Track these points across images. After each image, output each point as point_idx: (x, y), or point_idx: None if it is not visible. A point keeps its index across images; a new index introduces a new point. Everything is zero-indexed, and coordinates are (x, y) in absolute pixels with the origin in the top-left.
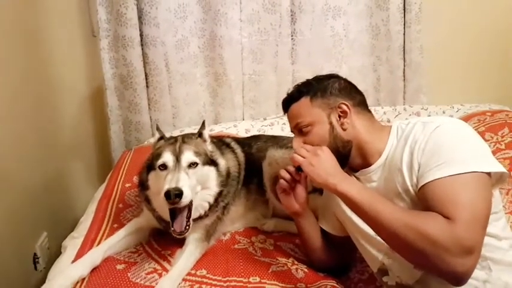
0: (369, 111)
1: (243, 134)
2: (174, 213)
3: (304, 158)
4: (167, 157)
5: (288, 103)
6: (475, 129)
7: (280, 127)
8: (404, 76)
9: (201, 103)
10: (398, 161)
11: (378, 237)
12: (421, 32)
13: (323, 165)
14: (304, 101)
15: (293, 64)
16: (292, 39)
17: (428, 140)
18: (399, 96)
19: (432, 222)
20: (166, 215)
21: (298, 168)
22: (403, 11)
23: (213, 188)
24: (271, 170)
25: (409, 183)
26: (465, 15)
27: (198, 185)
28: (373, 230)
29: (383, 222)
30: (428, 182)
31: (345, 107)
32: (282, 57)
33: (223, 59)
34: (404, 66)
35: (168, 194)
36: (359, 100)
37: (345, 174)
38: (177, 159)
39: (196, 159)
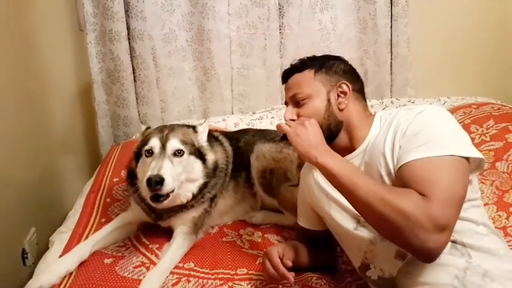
0: (365, 100)
1: (232, 128)
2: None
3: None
4: (154, 143)
5: (289, 73)
6: (461, 122)
7: (269, 121)
8: (391, 69)
9: (189, 97)
10: (381, 145)
11: (357, 232)
12: (408, 26)
13: (308, 136)
14: (308, 73)
15: (281, 58)
16: (280, 32)
17: (410, 124)
18: (386, 89)
19: (408, 198)
20: None
21: (283, 137)
22: (390, 5)
23: (198, 180)
24: (258, 163)
25: (391, 166)
26: (452, 9)
27: (183, 173)
28: (350, 204)
29: (360, 195)
30: (407, 162)
31: (345, 87)
32: (270, 51)
33: (211, 53)
34: (391, 59)
35: (149, 181)
36: (359, 87)
37: (327, 148)
38: (163, 146)
39: (182, 147)
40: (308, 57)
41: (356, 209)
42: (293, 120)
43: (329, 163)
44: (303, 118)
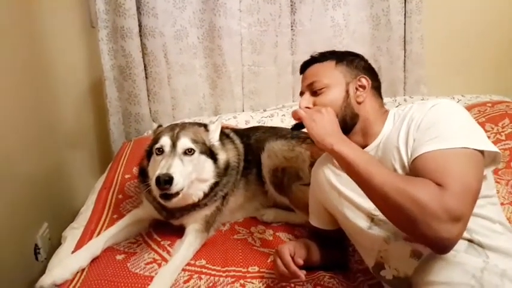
0: (381, 98)
1: (242, 126)
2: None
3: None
4: (164, 141)
5: (308, 64)
6: (476, 120)
7: (280, 118)
8: (404, 67)
9: (200, 94)
10: (395, 140)
11: (371, 231)
12: (421, 23)
13: (324, 123)
14: (328, 64)
15: (293, 55)
16: (292, 29)
17: (425, 117)
18: (400, 87)
19: (423, 188)
20: None
21: (297, 126)
22: (403, 1)
23: (209, 180)
24: (270, 162)
25: (405, 159)
26: (466, 6)
27: (193, 172)
28: (365, 193)
29: (375, 184)
30: (421, 155)
31: (364, 81)
32: (281, 48)
33: (222, 50)
34: (404, 56)
35: (158, 180)
36: (377, 84)
37: (343, 136)
38: (174, 144)
39: (193, 146)
40: (328, 51)
41: (370, 199)
42: (309, 108)
43: (345, 151)
44: (319, 106)
